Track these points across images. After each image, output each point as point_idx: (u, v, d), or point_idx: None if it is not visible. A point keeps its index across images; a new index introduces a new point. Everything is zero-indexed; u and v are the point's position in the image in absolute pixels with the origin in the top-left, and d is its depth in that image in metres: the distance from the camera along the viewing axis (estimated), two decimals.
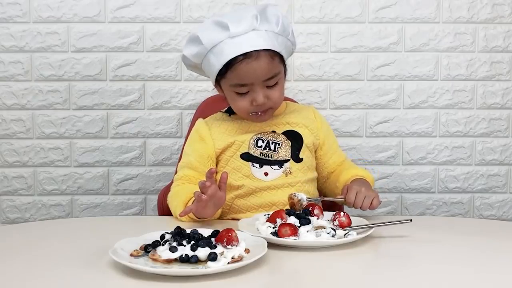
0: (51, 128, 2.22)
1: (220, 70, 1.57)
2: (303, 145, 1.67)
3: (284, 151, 1.65)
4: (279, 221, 1.36)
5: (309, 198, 1.53)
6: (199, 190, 1.43)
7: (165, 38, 2.21)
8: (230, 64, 1.55)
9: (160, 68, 2.22)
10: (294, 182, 1.63)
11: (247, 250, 1.20)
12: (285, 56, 1.63)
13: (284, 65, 1.64)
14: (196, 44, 1.59)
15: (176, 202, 1.57)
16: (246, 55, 1.54)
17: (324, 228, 1.34)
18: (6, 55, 2.19)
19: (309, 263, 1.22)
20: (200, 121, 1.73)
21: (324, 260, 1.23)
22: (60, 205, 2.26)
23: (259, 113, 1.63)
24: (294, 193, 1.51)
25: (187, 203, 1.54)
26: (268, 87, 1.59)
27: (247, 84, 1.57)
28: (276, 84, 1.60)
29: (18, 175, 2.24)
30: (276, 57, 1.59)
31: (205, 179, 1.45)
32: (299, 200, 1.50)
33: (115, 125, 2.24)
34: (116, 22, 2.20)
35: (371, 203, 1.53)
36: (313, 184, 1.72)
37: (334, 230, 1.33)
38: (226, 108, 1.75)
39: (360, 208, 1.53)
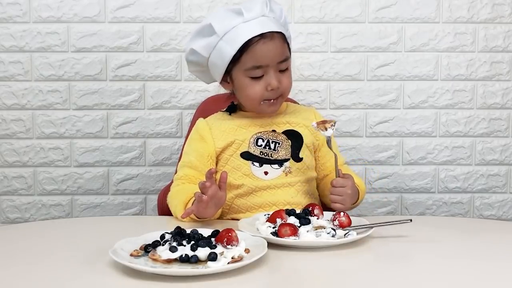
0: (51, 128, 2.22)
1: (234, 57, 1.58)
2: (303, 144, 1.67)
3: (284, 150, 1.65)
4: (279, 221, 1.36)
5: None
6: (199, 191, 1.43)
7: (165, 38, 2.21)
8: (245, 47, 1.57)
9: (160, 68, 2.22)
10: (294, 182, 1.64)
11: (247, 250, 1.20)
12: (290, 48, 1.67)
13: (290, 53, 1.67)
14: (205, 35, 1.61)
15: (176, 202, 1.57)
16: (262, 36, 1.57)
17: (324, 228, 1.34)
18: (6, 55, 2.19)
19: (309, 263, 1.22)
20: (200, 120, 1.73)
21: (324, 260, 1.23)
22: (60, 205, 2.26)
23: (272, 101, 1.63)
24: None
25: (187, 203, 1.54)
26: (280, 71, 1.61)
27: (262, 66, 1.58)
28: (286, 69, 1.63)
29: (18, 175, 2.24)
30: (285, 42, 1.63)
31: (205, 179, 1.45)
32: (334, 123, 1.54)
33: (115, 125, 2.24)
34: (116, 22, 2.20)
35: (335, 203, 1.53)
36: (313, 184, 1.72)
37: (334, 230, 1.33)
38: (226, 107, 1.75)
39: (330, 200, 1.54)
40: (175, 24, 2.21)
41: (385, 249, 1.33)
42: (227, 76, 1.66)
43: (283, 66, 1.61)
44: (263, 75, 1.60)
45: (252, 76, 1.60)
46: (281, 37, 1.61)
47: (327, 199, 1.67)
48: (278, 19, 1.63)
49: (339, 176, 1.55)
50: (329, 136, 1.53)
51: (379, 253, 1.31)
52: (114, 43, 2.21)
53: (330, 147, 1.55)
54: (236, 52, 1.58)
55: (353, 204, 1.61)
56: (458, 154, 2.30)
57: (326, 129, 1.53)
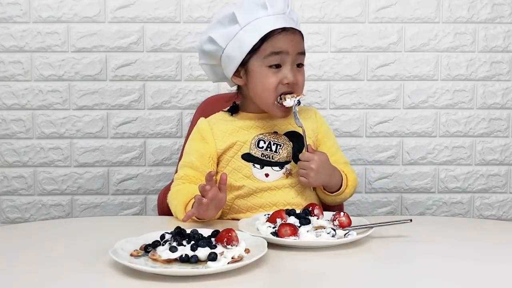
0: (51, 128, 2.22)
1: (252, 47, 1.59)
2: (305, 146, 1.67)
3: (285, 152, 1.65)
4: (279, 221, 1.36)
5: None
6: (199, 194, 1.43)
7: (165, 38, 2.21)
8: (267, 37, 1.59)
9: (160, 68, 2.22)
10: (294, 183, 1.63)
11: (247, 250, 1.20)
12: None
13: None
14: (227, 24, 1.62)
15: (176, 202, 1.57)
16: (284, 29, 1.60)
17: (324, 228, 1.34)
18: (6, 55, 2.19)
19: (309, 263, 1.22)
20: (202, 120, 1.72)
21: (324, 260, 1.23)
22: (60, 205, 2.26)
23: (286, 106, 1.61)
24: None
25: (187, 204, 1.54)
26: (297, 66, 1.62)
27: (282, 52, 1.59)
28: (302, 66, 1.65)
29: (18, 175, 2.24)
30: (303, 42, 1.66)
31: (204, 182, 1.45)
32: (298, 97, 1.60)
33: (115, 125, 2.24)
34: (116, 22, 2.20)
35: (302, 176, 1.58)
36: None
37: (334, 230, 1.33)
38: (228, 108, 1.74)
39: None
40: (175, 24, 2.21)
41: (385, 249, 1.33)
42: (241, 70, 1.65)
43: (300, 59, 1.63)
44: (280, 66, 1.60)
45: (270, 64, 1.60)
46: (301, 35, 1.64)
47: (326, 198, 1.67)
48: (296, 21, 1.66)
49: (307, 151, 1.59)
50: (291, 107, 1.59)
51: (379, 253, 1.31)
52: (114, 43, 2.21)
53: (296, 123, 1.61)
54: (257, 42, 1.59)
55: (336, 190, 1.64)
56: (458, 154, 2.30)
57: (285, 99, 1.58)
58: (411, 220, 1.40)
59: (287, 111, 1.62)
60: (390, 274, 1.16)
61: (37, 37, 2.19)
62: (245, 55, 1.60)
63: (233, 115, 1.71)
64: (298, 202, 1.61)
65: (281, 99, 1.59)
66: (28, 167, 2.24)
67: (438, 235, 1.44)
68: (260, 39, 1.58)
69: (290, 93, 1.59)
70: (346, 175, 1.67)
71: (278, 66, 1.59)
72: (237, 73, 1.65)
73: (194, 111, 2.13)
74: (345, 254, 1.27)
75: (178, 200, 1.57)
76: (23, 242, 1.37)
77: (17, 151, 2.23)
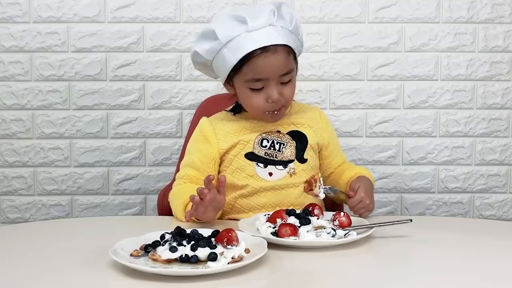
0: (51, 128, 2.22)
1: (235, 66, 1.56)
2: (308, 145, 1.67)
3: (289, 151, 1.64)
4: (279, 221, 1.35)
5: (326, 187, 1.56)
6: (197, 196, 1.43)
7: (165, 38, 2.21)
8: (247, 59, 1.54)
9: (160, 68, 2.22)
10: (298, 183, 1.63)
11: (247, 250, 1.20)
12: (297, 54, 1.64)
13: (296, 63, 1.64)
14: (209, 40, 1.57)
15: (176, 202, 1.57)
16: (264, 49, 1.53)
17: (324, 228, 1.34)
18: (6, 55, 2.19)
19: (309, 263, 1.22)
20: (204, 119, 1.71)
21: (324, 260, 1.23)
22: (60, 205, 2.26)
23: (275, 112, 1.62)
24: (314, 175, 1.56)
25: (186, 205, 1.54)
26: (282, 84, 1.58)
27: (262, 79, 1.56)
28: (289, 81, 1.60)
29: (18, 175, 2.24)
30: (291, 53, 1.59)
31: (199, 183, 1.48)
32: (319, 179, 1.54)
33: (115, 125, 2.24)
34: (116, 22, 2.20)
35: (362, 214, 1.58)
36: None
37: (334, 230, 1.33)
38: (230, 107, 1.74)
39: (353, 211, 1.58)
40: (175, 24, 2.21)
41: (385, 249, 1.33)
42: (228, 82, 1.65)
43: (285, 78, 1.58)
44: (263, 87, 1.58)
45: (252, 87, 1.58)
46: (286, 50, 1.56)
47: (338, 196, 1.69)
48: (287, 26, 1.58)
49: (349, 197, 1.58)
50: (324, 194, 1.56)
51: (379, 253, 1.31)
52: (114, 43, 2.21)
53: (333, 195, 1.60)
54: (237, 62, 1.55)
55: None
56: (458, 154, 2.30)
57: (316, 195, 1.55)
58: (411, 220, 1.40)
59: (277, 116, 1.63)
60: (390, 274, 1.16)
61: (37, 37, 2.19)
62: (229, 72, 1.59)
63: (236, 114, 1.71)
64: (301, 202, 1.60)
65: (309, 187, 1.56)
66: (28, 167, 2.24)
67: (438, 235, 1.44)
68: (240, 60, 1.54)
69: (311, 184, 1.56)
70: (369, 177, 1.69)
71: (261, 89, 1.58)
72: (227, 82, 1.65)
73: (194, 111, 2.13)
74: (345, 254, 1.27)
75: (179, 200, 1.57)
76: (23, 242, 1.38)
77: (17, 151, 2.23)
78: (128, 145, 2.25)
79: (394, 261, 1.25)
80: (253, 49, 1.53)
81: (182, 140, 2.18)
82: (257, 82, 1.57)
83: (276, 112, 1.62)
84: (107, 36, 2.20)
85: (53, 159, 2.24)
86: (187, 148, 1.73)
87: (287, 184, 1.62)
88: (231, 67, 1.56)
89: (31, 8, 2.18)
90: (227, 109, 1.74)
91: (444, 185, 2.30)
